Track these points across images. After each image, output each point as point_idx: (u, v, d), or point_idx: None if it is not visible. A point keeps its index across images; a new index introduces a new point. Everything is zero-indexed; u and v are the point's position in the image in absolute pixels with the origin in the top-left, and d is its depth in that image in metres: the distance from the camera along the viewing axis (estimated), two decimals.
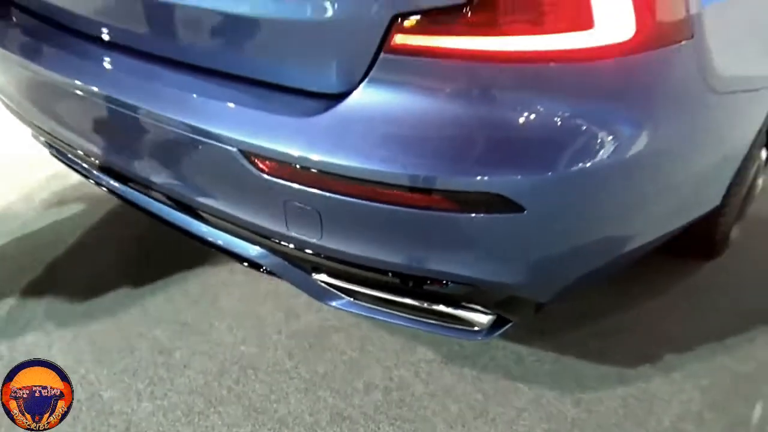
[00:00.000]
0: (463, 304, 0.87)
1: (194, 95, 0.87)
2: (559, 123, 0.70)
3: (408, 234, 0.77)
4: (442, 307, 0.87)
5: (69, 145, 1.11)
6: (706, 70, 0.78)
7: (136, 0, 0.92)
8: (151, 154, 0.97)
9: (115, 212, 1.64)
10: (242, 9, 0.81)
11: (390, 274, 0.83)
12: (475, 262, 0.79)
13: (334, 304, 0.95)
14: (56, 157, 1.31)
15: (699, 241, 1.20)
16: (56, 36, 1.03)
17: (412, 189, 0.73)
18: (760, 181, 1.37)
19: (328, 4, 0.73)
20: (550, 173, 0.70)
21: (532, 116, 0.71)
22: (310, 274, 0.92)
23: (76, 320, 1.29)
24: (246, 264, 1.00)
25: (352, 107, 0.75)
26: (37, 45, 1.05)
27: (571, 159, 0.70)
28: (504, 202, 0.71)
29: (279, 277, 0.98)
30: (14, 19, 1.11)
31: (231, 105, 0.85)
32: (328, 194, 0.76)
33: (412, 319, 0.91)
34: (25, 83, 1.11)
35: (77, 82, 0.97)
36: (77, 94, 0.98)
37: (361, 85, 0.75)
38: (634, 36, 0.68)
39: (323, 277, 0.91)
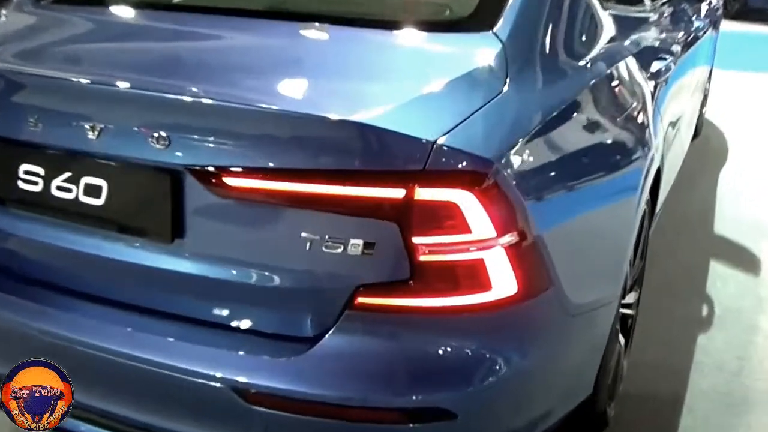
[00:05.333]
0: None
1: (185, 342, 1.43)
2: (474, 354, 1.35)
3: None
4: None
5: None
6: (563, 304, 1.48)
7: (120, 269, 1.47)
8: (141, 395, 1.47)
9: None
10: (219, 274, 1.39)
11: None
12: None
13: None
14: None
15: (581, 423, 1.86)
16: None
17: (378, 409, 1.33)
18: (625, 363, 2.14)
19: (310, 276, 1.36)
20: (470, 388, 1.35)
21: (458, 351, 1.35)
22: None
23: None
24: None
25: (324, 348, 1.32)
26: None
27: (483, 377, 1.35)
28: (442, 411, 1.34)
29: None
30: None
31: (222, 349, 1.40)
32: (304, 417, 1.33)
33: None
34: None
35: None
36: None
37: (330, 332, 1.32)
38: (517, 292, 1.31)
39: None
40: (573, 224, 1.56)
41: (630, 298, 2.15)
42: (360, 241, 1.28)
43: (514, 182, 1.32)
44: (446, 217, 1.28)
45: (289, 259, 1.35)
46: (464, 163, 1.27)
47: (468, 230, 1.27)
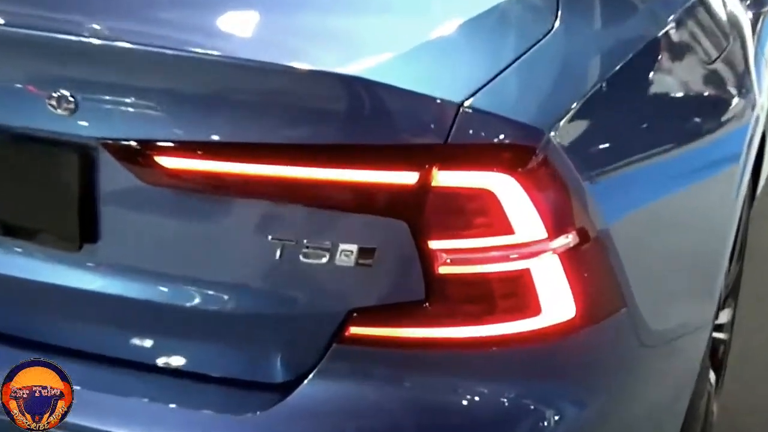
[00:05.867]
0: None
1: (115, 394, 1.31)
2: (514, 405, 1.23)
3: None
4: None
5: None
6: (638, 330, 1.34)
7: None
8: None
9: None
10: (146, 294, 1.24)
11: None
12: None
13: None
14: None
15: None
16: None
17: None
18: (714, 407, 1.98)
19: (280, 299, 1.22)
20: None
21: (491, 400, 1.22)
22: None
23: None
24: None
25: (301, 400, 1.20)
26: None
27: None
28: None
29: None
30: None
31: (152, 402, 1.28)
32: None
33: None
34: None
35: None
36: None
37: (310, 376, 1.20)
38: (575, 316, 1.20)
39: None
40: (651, 214, 1.38)
41: (723, 317, 1.94)
42: (353, 247, 1.13)
43: (571, 160, 1.15)
44: (477, 212, 1.12)
45: (249, 273, 1.19)
46: (502, 135, 1.12)
47: (508, 230, 1.11)
